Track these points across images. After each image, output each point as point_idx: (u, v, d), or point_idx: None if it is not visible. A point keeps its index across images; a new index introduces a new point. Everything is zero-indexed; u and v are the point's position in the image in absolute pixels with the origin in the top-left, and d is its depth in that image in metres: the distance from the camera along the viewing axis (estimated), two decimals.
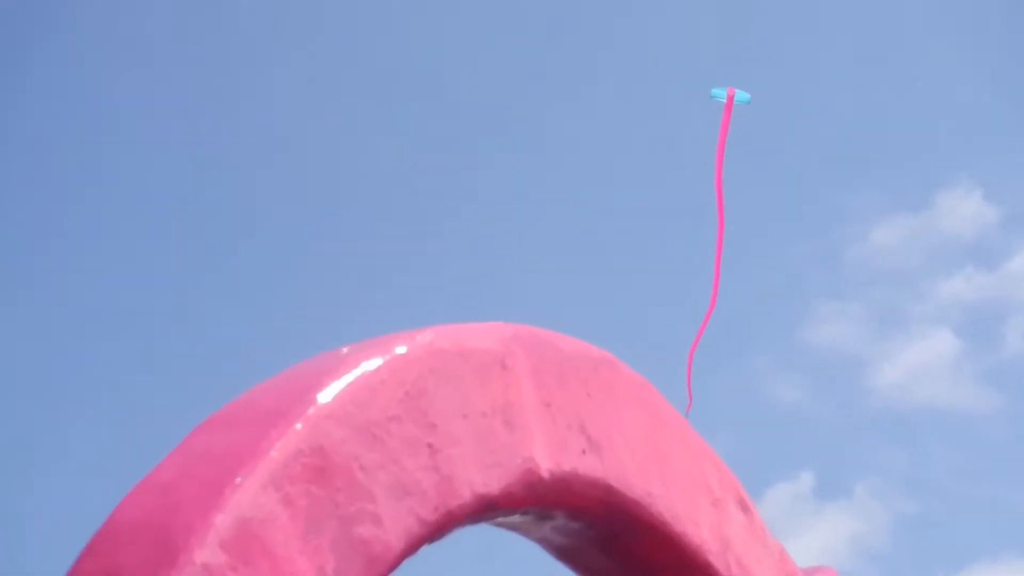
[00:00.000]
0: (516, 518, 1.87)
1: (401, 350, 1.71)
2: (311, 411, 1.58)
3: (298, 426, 1.56)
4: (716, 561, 2.08)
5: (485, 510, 1.75)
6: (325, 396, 1.60)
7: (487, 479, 1.74)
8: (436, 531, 1.68)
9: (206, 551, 1.43)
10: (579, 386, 1.93)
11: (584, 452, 1.89)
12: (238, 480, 1.49)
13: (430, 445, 1.68)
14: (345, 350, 1.71)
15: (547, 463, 1.83)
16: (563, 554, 2.03)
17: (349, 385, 1.63)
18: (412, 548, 1.64)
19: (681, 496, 2.03)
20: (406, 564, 1.65)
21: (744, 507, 2.16)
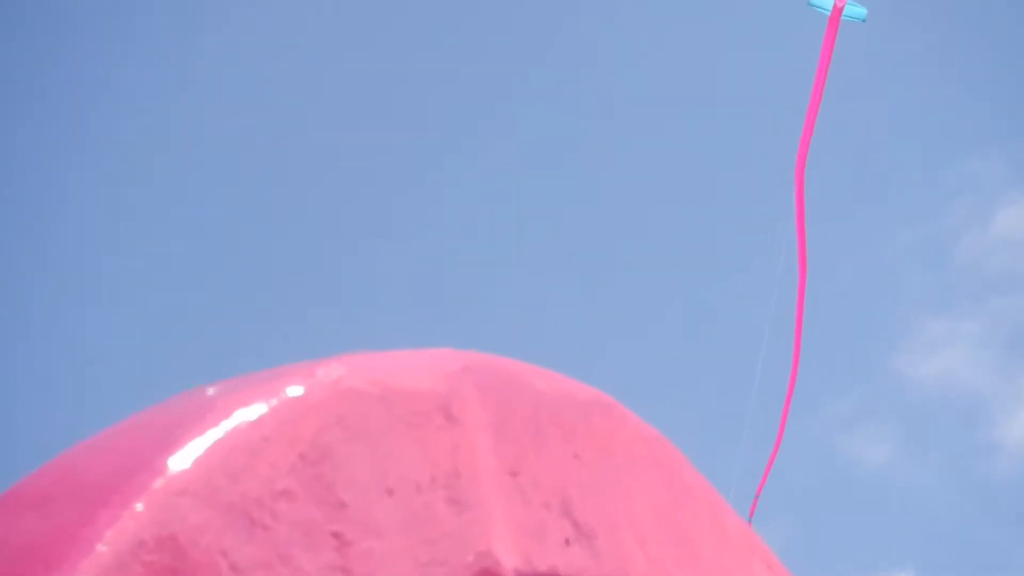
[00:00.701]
0: None
1: (295, 391, 1.36)
2: (158, 483, 1.28)
3: (138, 506, 1.27)
4: None
5: None
6: (179, 461, 1.31)
7: None
8: None
9: None
10: (562, 444, 1.59)
11: (568, 542, 1.55)
12: None
13: (337, 534, 1.35)
14: (211, 391, 1.39)
15: (513, 559, 1.49)
16: None
17: (216, 444, 1.32)
18: None
19: None
20: None
21: None
